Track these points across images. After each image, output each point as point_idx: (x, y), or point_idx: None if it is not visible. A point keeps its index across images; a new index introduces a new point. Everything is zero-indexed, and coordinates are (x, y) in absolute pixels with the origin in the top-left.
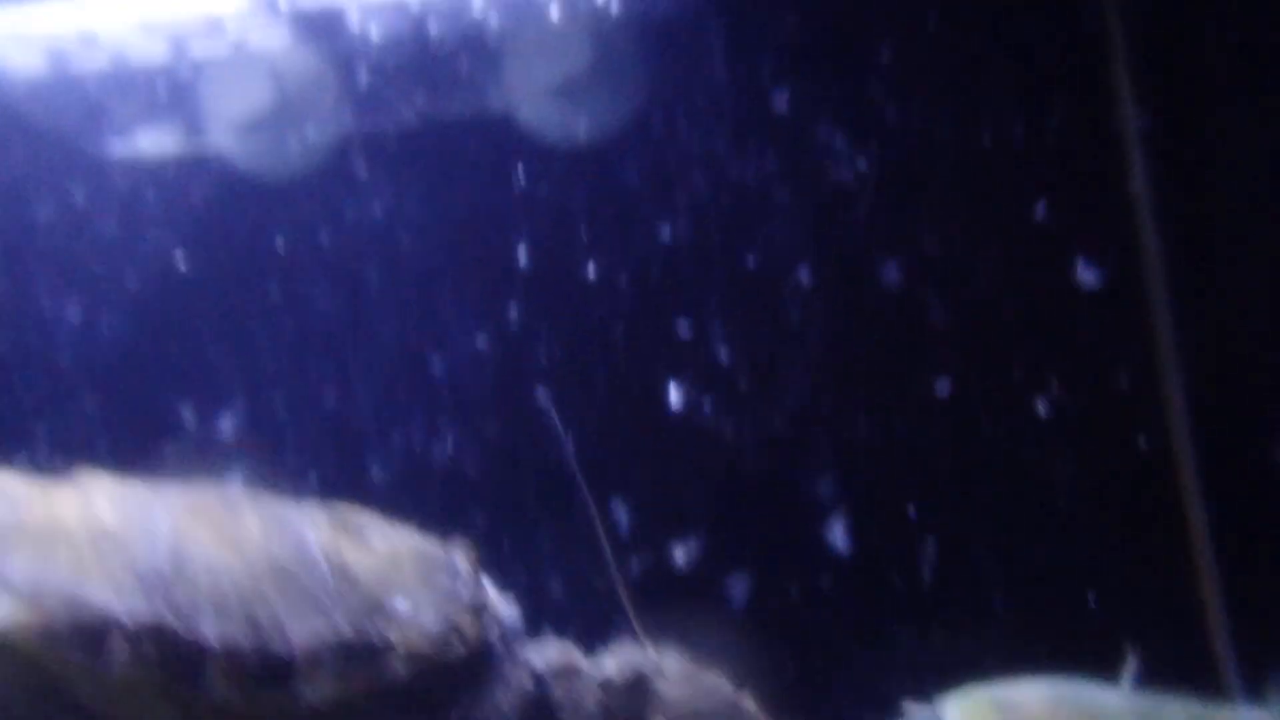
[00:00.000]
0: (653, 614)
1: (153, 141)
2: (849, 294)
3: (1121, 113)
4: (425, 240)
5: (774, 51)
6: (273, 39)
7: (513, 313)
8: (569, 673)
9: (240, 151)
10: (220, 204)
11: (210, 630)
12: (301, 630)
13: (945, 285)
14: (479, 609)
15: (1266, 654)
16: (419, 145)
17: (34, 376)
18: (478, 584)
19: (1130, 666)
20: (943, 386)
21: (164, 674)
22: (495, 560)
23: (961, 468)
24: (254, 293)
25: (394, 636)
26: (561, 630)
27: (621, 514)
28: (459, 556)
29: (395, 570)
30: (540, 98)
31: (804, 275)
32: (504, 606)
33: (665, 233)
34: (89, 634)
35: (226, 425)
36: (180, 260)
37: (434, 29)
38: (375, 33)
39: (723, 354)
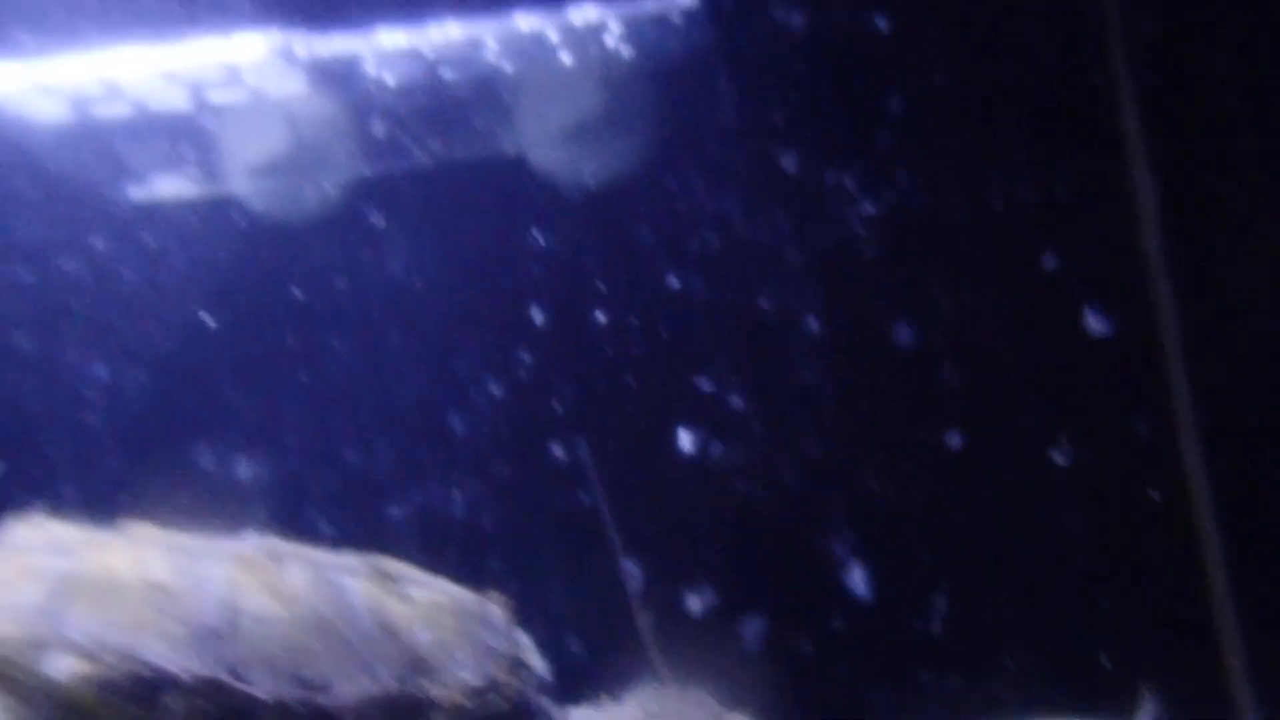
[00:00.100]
0: (671, 658)
1: (173, 187)
2: (861, 345)
3: (1132, 165)
4: (438, 284)
5: (784, 104)
6: (290, 87)
7: (526, 358)
8: None
9: (258, 196)
10: (236, 250)
11: (261, 686)
12: (348, 687)
13: (958, 339)
14: (516, 663)
15: None
16: (432, 190)
17: (55, 418)
18: (513, 637)
19: (1147, 709)
20: (957, 438)
21: None
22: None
23: (977, 516)
24: (268, 337)
25: (436, 692)
26: (581, 675)
27: (636, 561)
28: (494, 608)
29: (435, 624)
30: (552, 142)
31: (815, 325)
32: (536, 659)
33: (676, 281)
34: (145, 688)
35: (243, 472)
36: (195, 305)
37: (448, 75)
38: (390, 80)
39: (737, 407)
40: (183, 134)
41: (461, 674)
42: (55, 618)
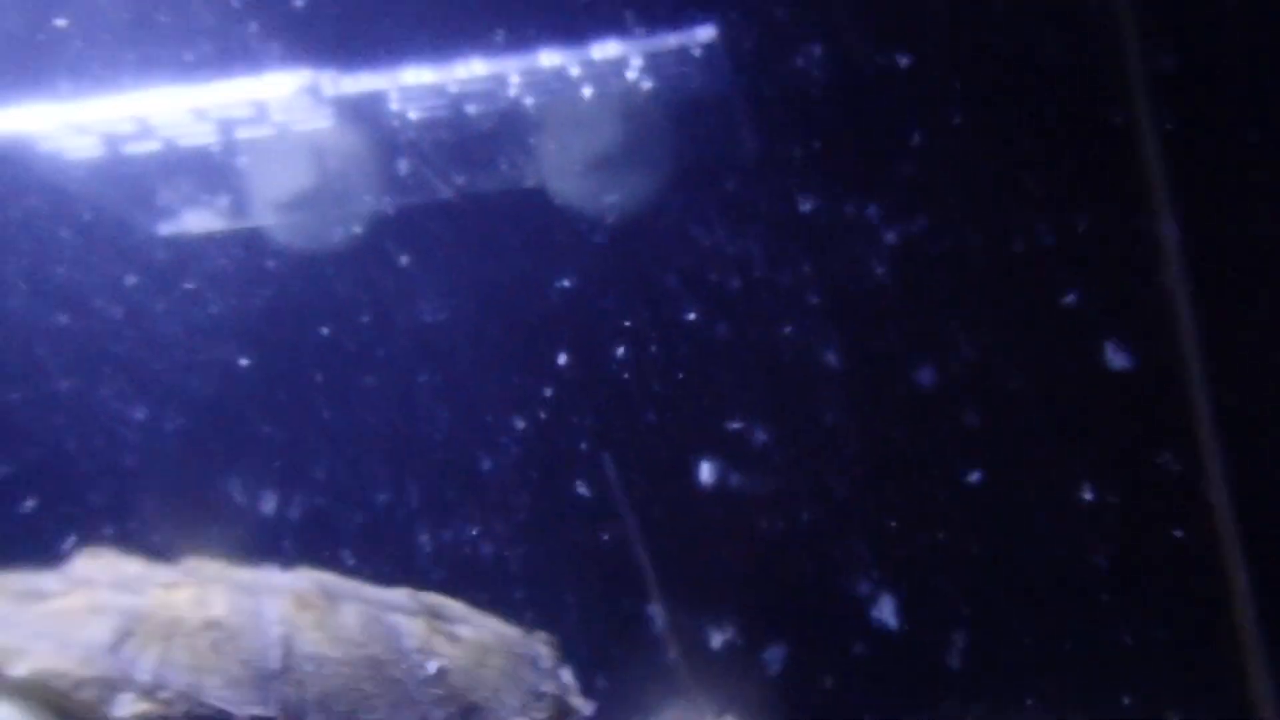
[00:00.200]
0: (699, 689)
1: (201, 222)
2: (882, 382)
3: (1153, 201)
4: (460, 316)
5: (804, 139)
6: (317, 123)
7: (548, 392)
8: None
9: (285, 231)
10: (263, 284)
11: None
12: None
13: (980, 376)
14: (562, 706)
15: None
16: (456, 222)
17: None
18: (559, 677)
19: None
20: (979, 475)
21: None
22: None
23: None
24: (291, 372)
25: None
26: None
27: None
28: (541, 647)
29: (483, 665)
30: (574, 175)
31: (835, 362)
32: (581, 700)
33: (695, 317)
34: None
35: (270, 506)
36: (222, 341)
37: (471, 111)
38: (415, 115)
39: (758, 444)
40: (212, 170)
41: (509, 717)
42: (122, 657)
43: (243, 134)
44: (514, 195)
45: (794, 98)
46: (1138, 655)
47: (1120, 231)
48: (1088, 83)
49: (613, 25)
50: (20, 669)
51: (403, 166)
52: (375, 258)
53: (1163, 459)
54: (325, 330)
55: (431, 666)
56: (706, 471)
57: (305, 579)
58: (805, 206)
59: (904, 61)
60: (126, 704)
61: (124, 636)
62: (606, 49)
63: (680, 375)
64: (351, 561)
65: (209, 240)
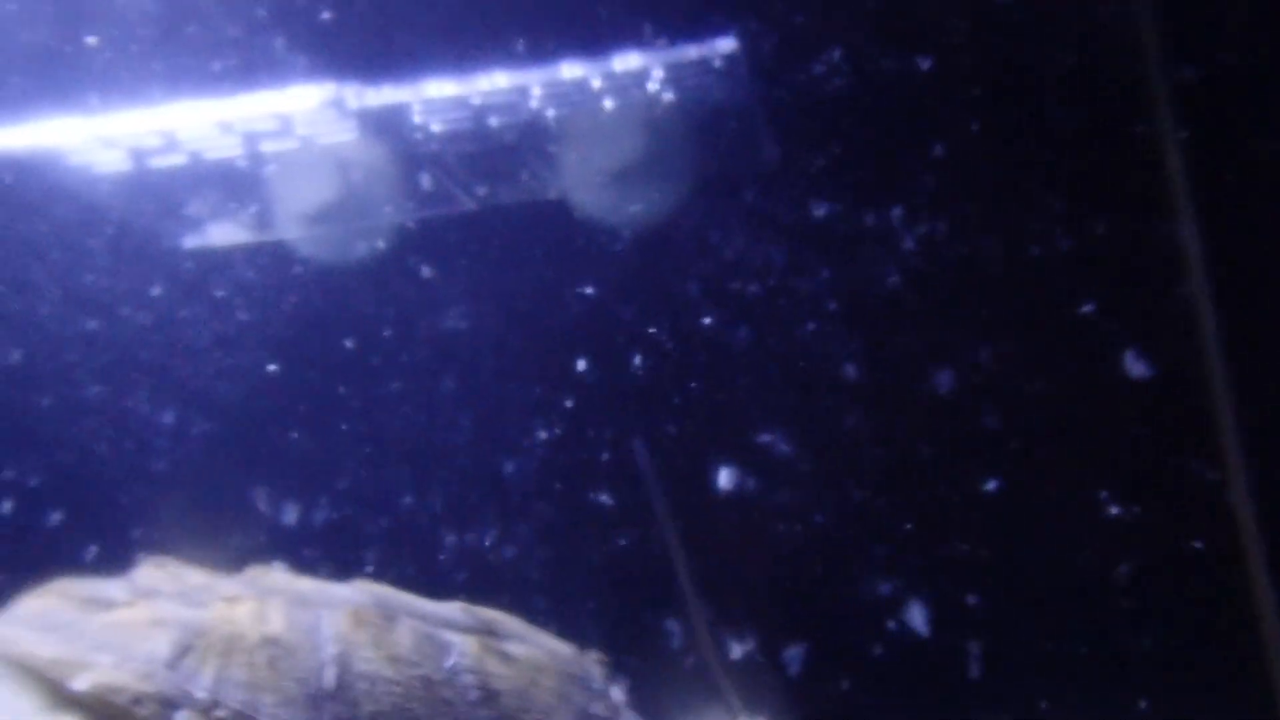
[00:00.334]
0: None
1: (228, 233)
2: (901, 391)
3: (1176, 211)
4: (483, 326)
5: (824, 149)
6: (340, 136)
7: (569, 400)
8: None
9: (309, 242)
10: (288, 294)
11: None
12: None
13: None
14: None
15: None
16: (478, 233)
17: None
18: (609, 697)
19: None
20: (999, 483)
21: None
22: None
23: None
24: (316, 380)
25: None
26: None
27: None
28: (592, 666)
29: (534, 684)
30: (596, 186)
31: (855, 370)
32: (631, 718)
33: (716, 326)
34: None
35: (295, 511)
36: (249, 350)
37: (494, 123)
38: (438, 128)
39: (778, 452)
40: (237, 183)
41: None
42: (181, 673)
43: (268, 147)
44: (536, 206)
45: (814, 106)
46: (1158, 662)
47: (1141, 239)
48: (1109, 91)
49: (633, 37)
50: (81, 682)
51: (426, 178)
52: (398, 268)
53: (1185, 467)
54: (349, 339)
55: (481, 687)
56: (726, 478)
57: (364, 593)
58: (825, 214)
59: (923, 70)
60: None
61: (183, 651)
62: (627, 61)
63: (700, 382)
64: (372, 567)
65: (235, 251)
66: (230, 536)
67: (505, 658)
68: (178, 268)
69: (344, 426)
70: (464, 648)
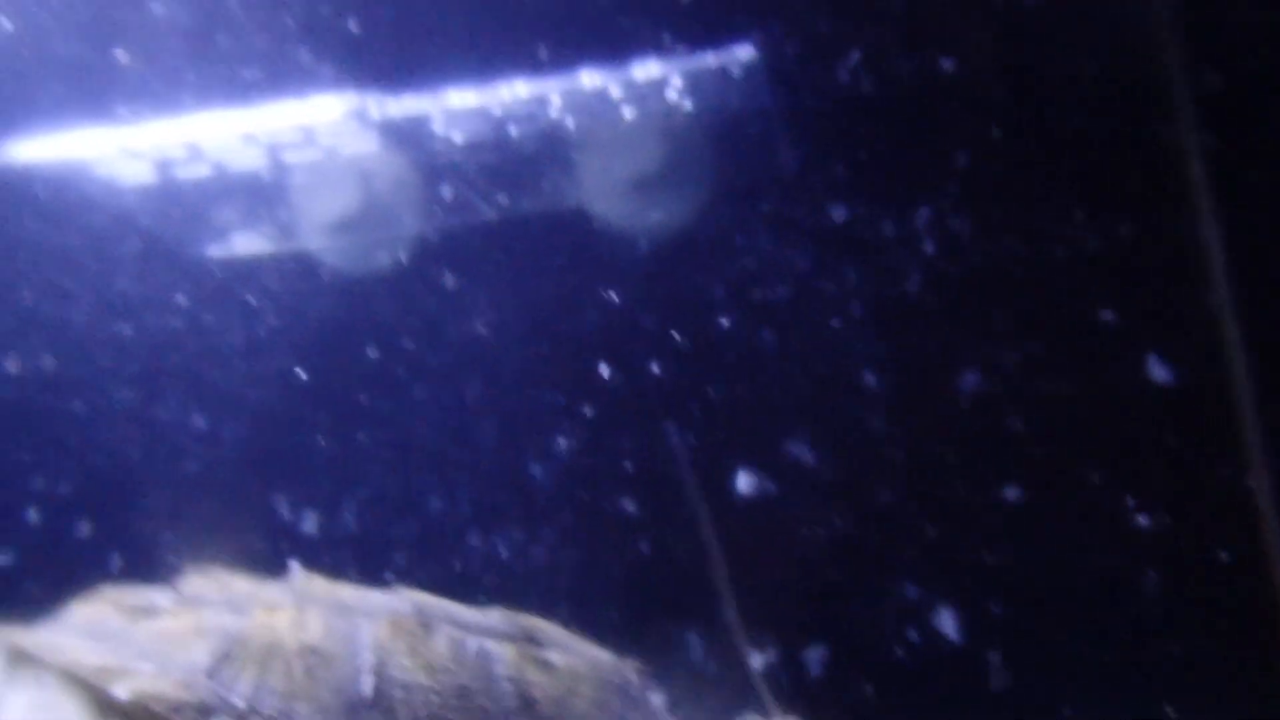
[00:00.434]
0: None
1: (252, 243)
2: (925, 397)
3: (1198, 216)
4: (505, 334)
5: (844, 156)
6: (362, 146)
7: (591, 407)
8: None
9: (331, 252)
10: (312, 304)
11: None
12: None
13: (1023, 390)
14: None
15: None
16: (499, 242)
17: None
18: (648, 705)
19: None
20: (1023, 490)
21: None
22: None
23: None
24: (341, 388)
25: None
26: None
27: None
28: (631, 674)
29: (572, 693)
30: (616, 195)
31: (878, 377)
32: None
33: (738, 334)
34: None
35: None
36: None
37: (514, 132)
38: (458, 137)
39: (802, 459)
40: (261, 193)
41: None
42: (220, 681)
43: (291, 157)
44: (556, 215)
45: (835, 111)
46: (1185, 670)
47: (1163, 243)
48: (1131, 96)
49: (653, 46)
50: (122, 690)
51: (447, 188)
52: (421, 277)
53: (1209, 472)
54: (373, 347)
55: (520, 696)
56: (748, 483)
57: (404, 601)
58: (847, 219)
59: (946, 76)
60: None
61: (223, 659)
62: (647, 69)
63: (723, 389)
64: (398, 572)
65: (260, 260)
66: (259, 541)
67: (544, 666)
68: (205, 276)
69: (369, 433)
70: (502, 655)
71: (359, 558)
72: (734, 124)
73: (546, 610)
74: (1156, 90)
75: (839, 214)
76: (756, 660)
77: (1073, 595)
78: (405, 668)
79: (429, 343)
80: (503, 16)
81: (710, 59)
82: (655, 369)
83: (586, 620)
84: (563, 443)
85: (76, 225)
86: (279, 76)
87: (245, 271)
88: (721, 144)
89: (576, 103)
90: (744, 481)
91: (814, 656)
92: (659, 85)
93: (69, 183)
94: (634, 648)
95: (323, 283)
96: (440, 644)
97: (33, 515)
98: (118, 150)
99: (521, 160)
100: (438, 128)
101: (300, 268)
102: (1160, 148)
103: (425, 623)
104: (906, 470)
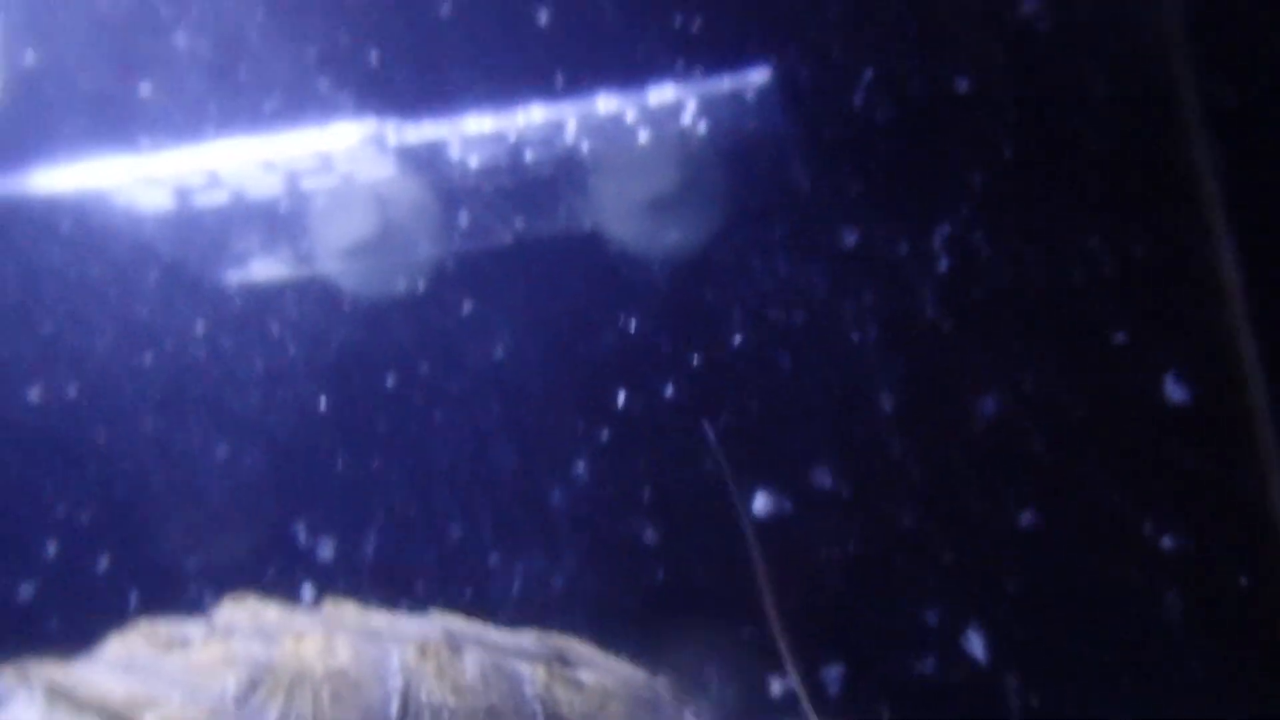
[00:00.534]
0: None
1: (269, 270)
2: (942, 418)
3: (1213, 234)
4: (523, 358)
5: (859, 178)
6: (380, 172)
7: (608, 432)
8: None
9: (349, 277)
10: (330, 330)
11: None
12: None
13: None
14: None
15: None
16: (517, 266)
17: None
18: (680, 719)
19: None
20: (1040, 512)
21: None
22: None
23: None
24: (359, 414)
25: None
26: None
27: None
28: (664, 691)
29: (602, 710)
30: (631, 218)
31: (894, 398)
32: None
33: (754, 356)
34: None
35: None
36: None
37: (530, 157)
38: (475, 162)
39: (818, 481)
40: (279, 220)
41: None
42: (248, 709)
43: (309, 184)
44: (572, 238)
45: (849, 133)
46: (1205, 690)
47: (1178, 262)
48: (1145, 115)
49: (667, 70)
50: (150, 718)
51: (464, 213)
52: (439, 301)
53: (1228, 492)
54: (392, 372)
55: (550, 717)
56: (765, 503)
57: (434, 625)
58: (862, 240)
59: (960, 96)
60: None
61: (251, 687)
62: (662, 94)
63: (739, 410)
64: (418, 598)
65: (279, 287)
66: (281, 568)
67: (574, 684)
68: (225, 303)
69: (388, 458)
70: (532, 676)
71: (379, 583)
72: (749, 146)
73: (569, 633)
74: (1170, 108)
75: (854, 235)
76: (789, 677)
77: (1091, 616)
78: (433, 690)
79: (447, 367)
80: (519, 43)
81: (724, 82)
82: (669, 391)
83: (605, 644)
84: (580, 466)
85: (98, 254)
86: (299, 105)
87: (265, 298)
88: (736, 166)
89: (592, 127)
90: (761, 502)
91: (832, 675)
92: (674, 109)
93: (91, 213)
94: (655, 669)
95: (342, 308)
96: (469, 665)
97: (54, 544)
98: (138, 179)
99: (538, 184)
100: (455, 153)
101: (319, 293)
102: (1175, 165)
103: (454, 645)
104: (924, 491)
